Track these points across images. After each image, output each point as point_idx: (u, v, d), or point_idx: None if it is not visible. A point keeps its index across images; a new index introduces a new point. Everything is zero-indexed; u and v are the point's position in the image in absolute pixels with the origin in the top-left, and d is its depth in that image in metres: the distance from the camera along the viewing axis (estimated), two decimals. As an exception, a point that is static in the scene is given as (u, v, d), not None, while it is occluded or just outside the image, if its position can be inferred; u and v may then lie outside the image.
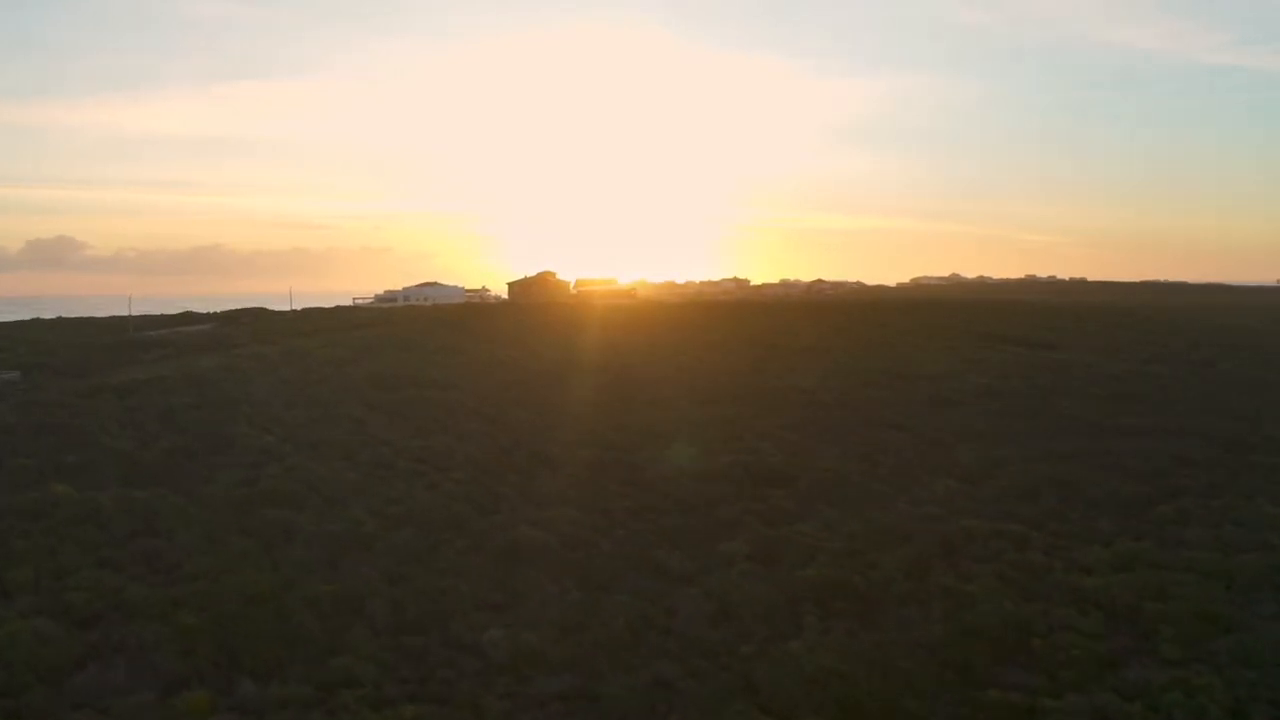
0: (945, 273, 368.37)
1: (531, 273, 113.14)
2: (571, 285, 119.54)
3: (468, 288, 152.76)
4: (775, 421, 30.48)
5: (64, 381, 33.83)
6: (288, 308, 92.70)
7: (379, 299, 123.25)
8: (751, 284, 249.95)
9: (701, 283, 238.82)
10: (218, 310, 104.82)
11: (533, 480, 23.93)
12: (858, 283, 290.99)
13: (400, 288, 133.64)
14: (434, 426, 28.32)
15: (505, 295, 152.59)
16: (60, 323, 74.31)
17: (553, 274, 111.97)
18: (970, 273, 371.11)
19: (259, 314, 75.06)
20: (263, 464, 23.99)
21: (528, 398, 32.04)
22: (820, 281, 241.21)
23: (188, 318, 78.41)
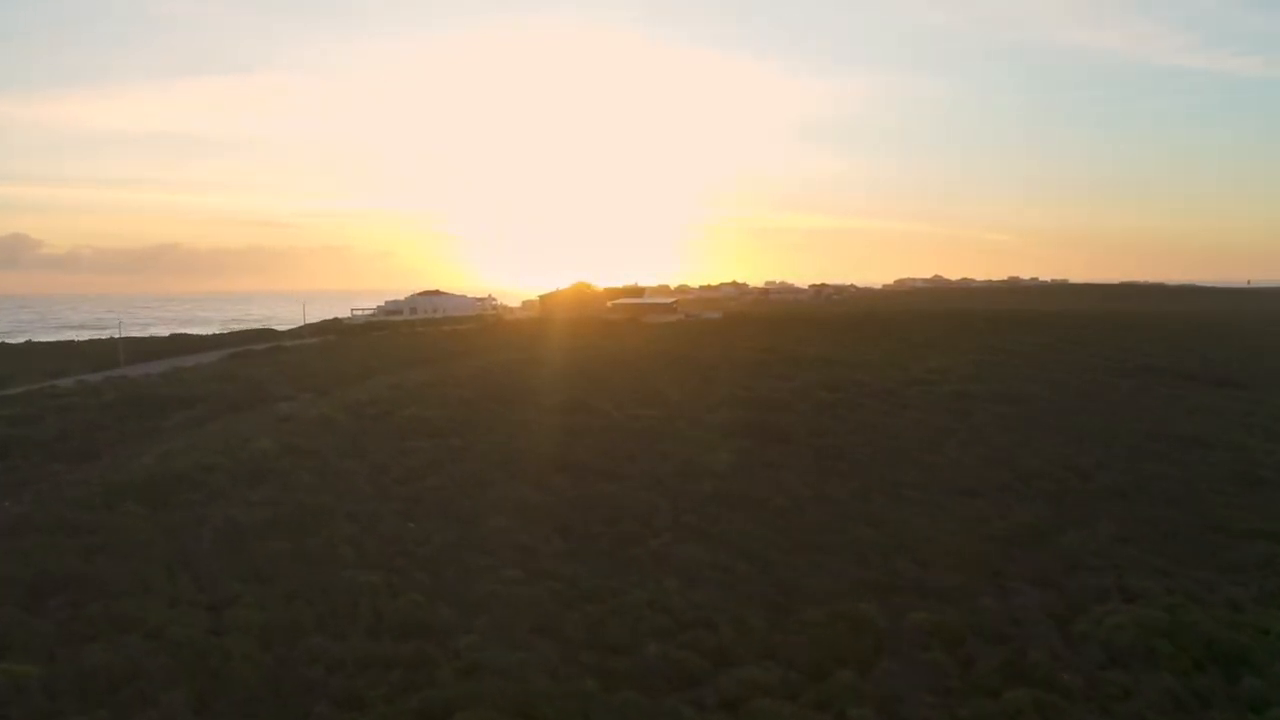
0: (928, 274, 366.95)
1: (564, 284, 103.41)
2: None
3: (468, 296, 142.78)
4: (1103, 531, 21.42)
5: (61, 470, 23.87)
6: (297, 327, 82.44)
7: (382, 310, 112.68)
8: (751, 287, 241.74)
9: (701, 288, 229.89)
10: (209, 332, 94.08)
11: (868, 669, 14.66)
12: (851, 286, 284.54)
13: (404, 296, 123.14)
14: (643, 556, 18.91)
15: (513, 305, 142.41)
16: (31, 349, 63.53)
17: (588, 285, 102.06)
18: (951, 274, 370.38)
19: (272, 339, 64.74)
20: (427, 662, 14.46)
21: (736, 494, 22.71)
22: (825, 286, 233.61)
23: (181, 344, 67.83)
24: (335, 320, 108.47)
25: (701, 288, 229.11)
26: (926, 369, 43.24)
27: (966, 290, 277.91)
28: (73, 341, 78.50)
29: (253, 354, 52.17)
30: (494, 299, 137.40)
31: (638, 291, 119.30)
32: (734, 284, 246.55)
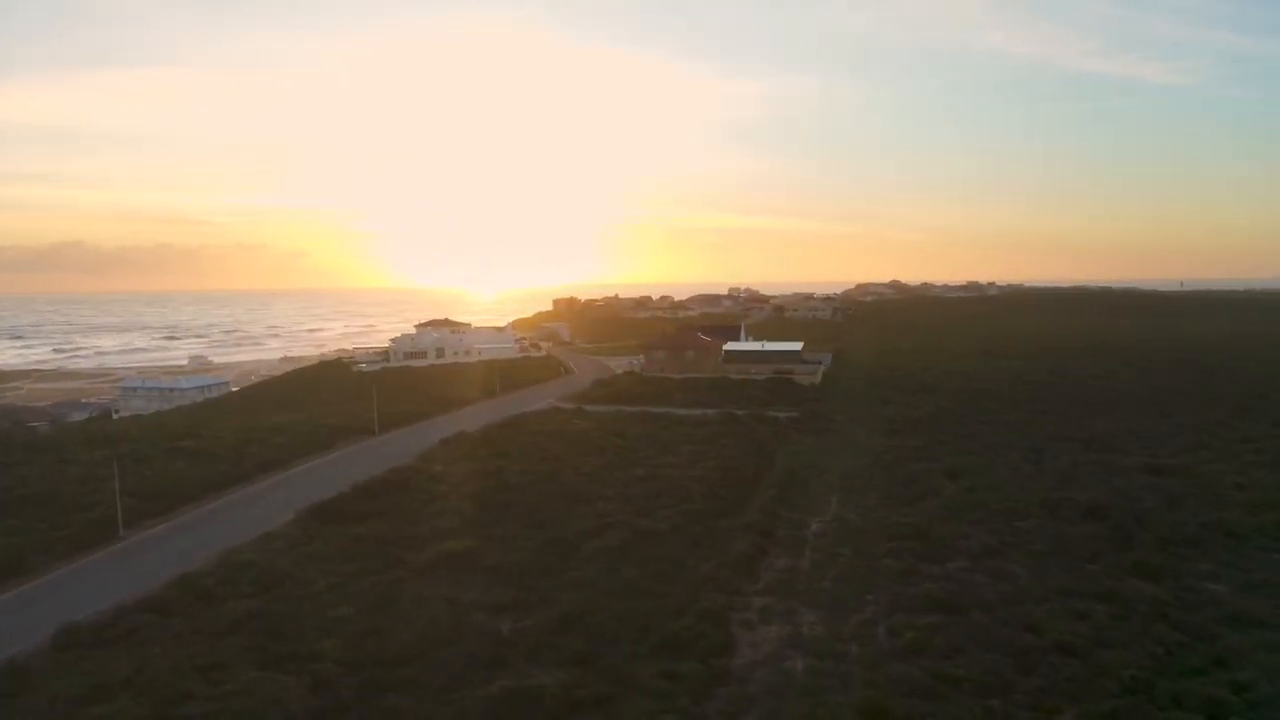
0: (885, 279, 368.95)
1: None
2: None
3: (478, 324, 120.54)
4: None
5: None
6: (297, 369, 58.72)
7: (397, 350, 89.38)
8: (744, 297, 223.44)
9: (704, 298, 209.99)
10: (158, 358, 69.63)
11: None
12: (837, 294, 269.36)
13: (413, 329, 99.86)
14: None
15: (516, 331, 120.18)
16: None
17: (702, 338, 79.55)
18: (910, 279, 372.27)
19: (299, 413, 42.48)
20: None
21: None
22: (830, 298, 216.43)
23: (195, 462, 44.61)
24: (339, 363, 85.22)
25: (704, 298, 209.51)
26: None
27: (961, 299, 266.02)
28: (8, 454, 54.02)
29: (349, 512, 30.14)
30: (513, 329, 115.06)
31: (730, 327, 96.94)
32: (730, 296, 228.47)
